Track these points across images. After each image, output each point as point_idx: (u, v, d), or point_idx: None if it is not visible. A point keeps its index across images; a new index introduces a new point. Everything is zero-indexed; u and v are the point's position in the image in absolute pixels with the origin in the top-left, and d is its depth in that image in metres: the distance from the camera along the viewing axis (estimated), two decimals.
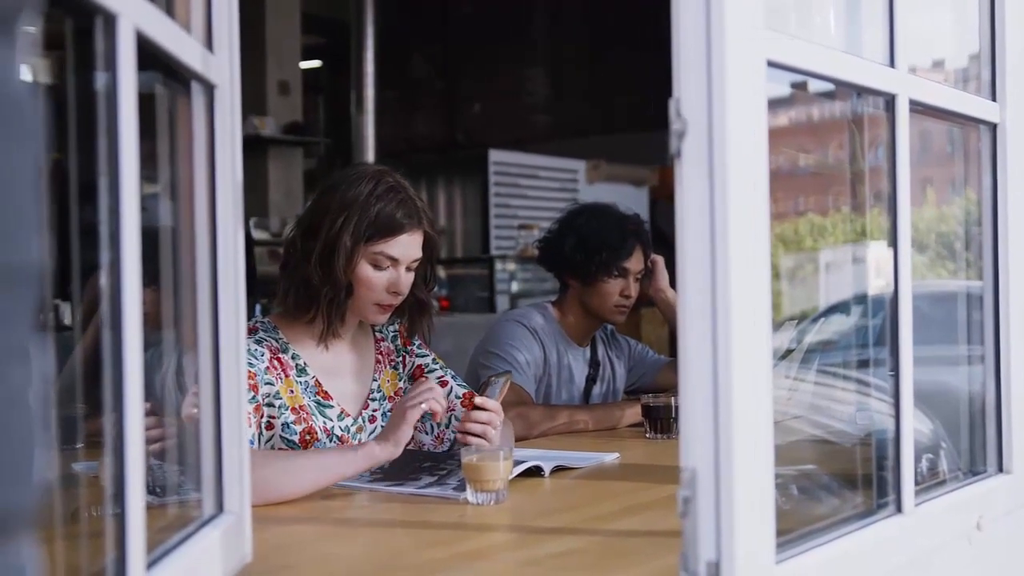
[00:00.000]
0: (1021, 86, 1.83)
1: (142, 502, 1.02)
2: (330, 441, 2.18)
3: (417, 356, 2.40)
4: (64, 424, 1.55)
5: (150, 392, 1.07)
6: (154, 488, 1.34)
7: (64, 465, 1.57)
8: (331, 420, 2.20)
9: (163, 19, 1.13)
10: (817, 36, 1.67)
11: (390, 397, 2.33)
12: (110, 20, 0.99)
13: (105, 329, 1.01)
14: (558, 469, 2.16)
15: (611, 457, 2.34)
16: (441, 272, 7.73)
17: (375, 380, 2.33)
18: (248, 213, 1.64)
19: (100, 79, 1.01)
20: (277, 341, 2.20)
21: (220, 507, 1.36)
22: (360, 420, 2.27)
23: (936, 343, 1.91)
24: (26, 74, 0.57)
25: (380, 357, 2.36)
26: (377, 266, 2.17)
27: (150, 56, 1.10)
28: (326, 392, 2.22)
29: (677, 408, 2.64)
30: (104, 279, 1.01)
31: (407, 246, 2.19)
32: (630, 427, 2.82)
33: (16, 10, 0.56)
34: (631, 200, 6.71)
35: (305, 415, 2.16)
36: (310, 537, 1.71)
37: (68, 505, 1.29)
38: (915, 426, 1.56)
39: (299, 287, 2.18)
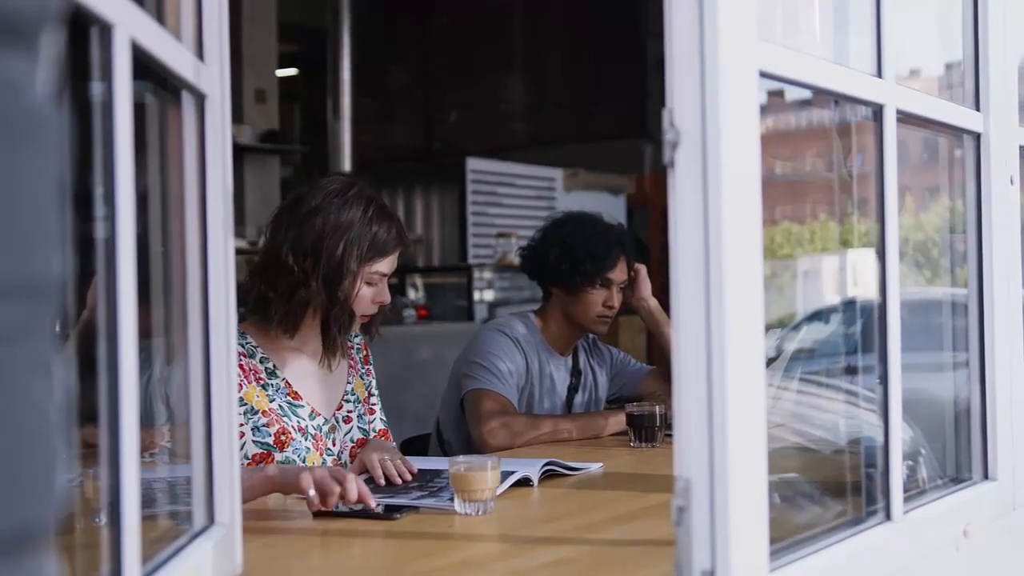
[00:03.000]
0: (1004, 96, 1.84)
1: (138, 514, 1.02)
2: (305, 439, 2.24)
3: (372, 376, 2.51)
4: None
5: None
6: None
7: None
8: (303, 419, 2.26)
9: (157, 29, 1.13)
10: (803, 45, 1.68)
11: (363, 400, 2.42)
12: (106, 30, 0.98)
13: (98, 340, 1.01)
14: (548, 474, 2.17)
15: (596, 467, 2.35)
16: (418, 281, 7.72)
17: (349, 383, 2.41)
18: None
19: (95, 88, 1.01)
20: (243, 346, 2.24)
21: (211, 519, 1.36)
22: (333, 420, 2.33)
23: (915, 350, 1.92)
24: (47, 86, 0.57)
25: (352, 363, 2.44)
26: (370, 283, 2.27)
27: (142, 65, 1.10)
28: (296, 392, 2.28)
29: (661, 417, 2.66)
30: (99, 288, 1.00)
31: (394, 261, 2.31)
32: (614, 436, 2.82)
33: (38, 24, 0.56)
34: (608, 208, 6.71)
35: (276, 417, 2.21)
36: (300, 549, 1.70)
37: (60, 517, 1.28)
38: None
39: (299, 308, 2.23)
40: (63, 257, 0.58)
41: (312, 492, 1.79)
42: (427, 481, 2.11)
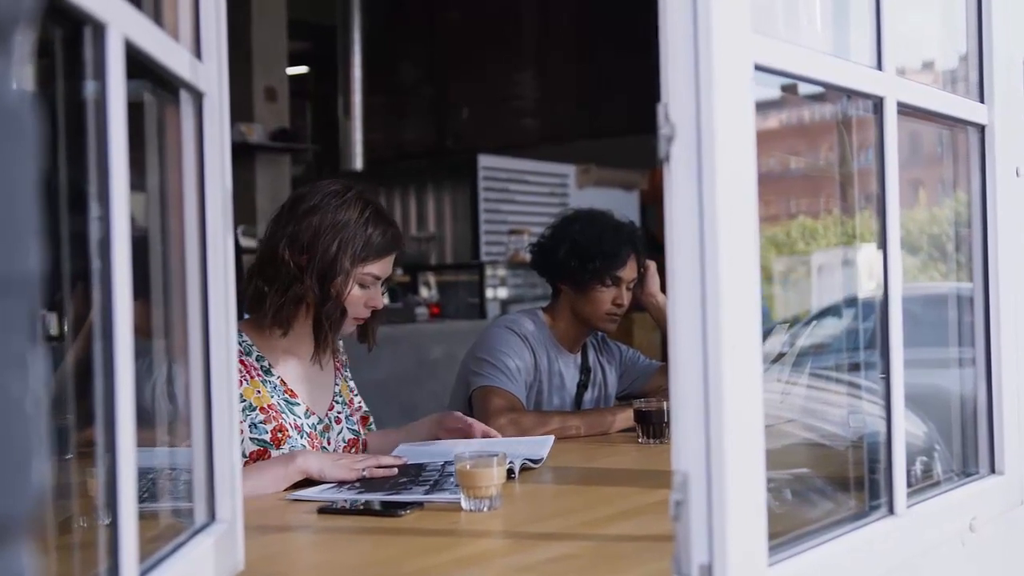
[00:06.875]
0: (1009, 88, 1.83)
1: (135, 512, 1.02)
2: (301, 437, 2.27)
3: (350, 379, 2.54)
4: (55, 434, 1.54)
5: (140, 403, 1.07)
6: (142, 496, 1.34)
7: (57, 475, 1.56)
8: (299, 417, 2.30)
9: (152, 28, 1.13)
10: (804, 38, 1.67)
11: (348, 403, 2.46)
12: (99, 29, 0.99)
13: (96, 339, 1.01)
14: (524, 467, 2.19)
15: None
16: (431, 278, 7.73)
17: (336, 385, 2.45)
18: (235, 221, 1.68)
19: (89, 87, 1.01)
20: (241, 344, 2.26)
21: (212, 515, 1.36)
22: (327, 420, 2.38)
23: (927, 345, 1.91)
24: (22, 83, 0.58)
25: (339, 366, 2.49)
26: (362, 285, 2.30)
27: (138, 64, 1.10)
28: (292, 391, 2.32)
29: (669, 412, 2.65)
30: (95, 289, 1.00)
31: (389, 265, 2.35)
32: (622, 432, 2.82)
33: (12, 20, 0.57)
34: (621, 204, 6.71)
35: (275, 413, 2.25)
36: (302, 546, 1.70)
37: (58, 515, 1.29)
38: (908, 429, 1.56)
39: (292, 303, 2.27)
40: (40, 253, 0.59)
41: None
42: (416, 476, 2.11)
